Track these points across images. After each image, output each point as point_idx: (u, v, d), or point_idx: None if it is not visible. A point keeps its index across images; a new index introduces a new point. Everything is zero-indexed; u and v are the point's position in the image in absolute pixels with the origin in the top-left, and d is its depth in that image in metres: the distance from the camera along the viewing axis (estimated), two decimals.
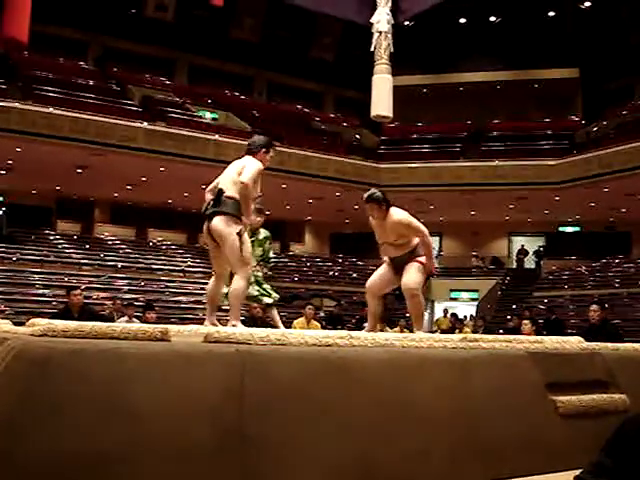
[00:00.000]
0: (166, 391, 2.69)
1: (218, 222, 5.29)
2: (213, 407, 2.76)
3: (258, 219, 7.07)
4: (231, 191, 5.35)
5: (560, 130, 28.39)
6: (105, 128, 20.60)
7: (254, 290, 7.13)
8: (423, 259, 5.79)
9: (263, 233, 7.44)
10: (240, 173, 5.38)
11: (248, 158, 5.53)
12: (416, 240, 5.82)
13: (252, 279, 6.96)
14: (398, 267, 5.85)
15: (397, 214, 5.72)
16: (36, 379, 2.50)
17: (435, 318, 26.83)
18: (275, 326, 7.12)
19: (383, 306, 6.18)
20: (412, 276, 5.73)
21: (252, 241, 7.24)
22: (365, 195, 5.76)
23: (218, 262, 5.59)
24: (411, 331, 10.56)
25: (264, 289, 7.21)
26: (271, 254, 7.65)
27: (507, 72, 30.50)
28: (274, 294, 7.22)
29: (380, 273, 6.01)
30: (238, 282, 5.34)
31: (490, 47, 29.63)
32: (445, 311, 16.25)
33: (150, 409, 2.63)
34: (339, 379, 3.13)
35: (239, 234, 5.28)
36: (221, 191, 5.38)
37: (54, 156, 20.21)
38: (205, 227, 5.41)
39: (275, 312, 7.36)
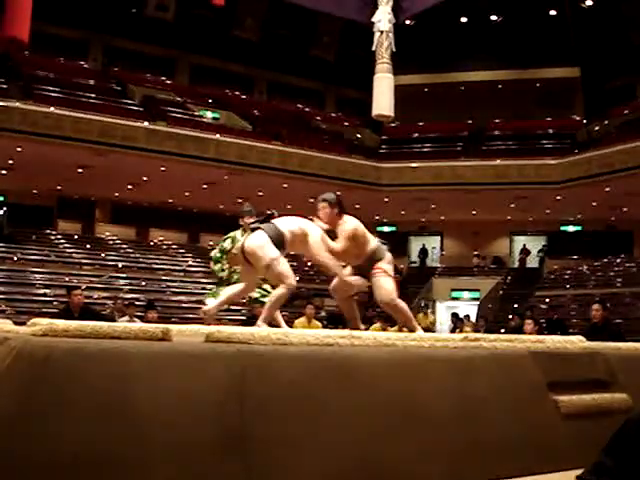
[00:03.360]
0: (167, 391, 2.69)
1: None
2: (214, 407, 2.76)
3: (247, 219, 7.15)
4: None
5: (561, 129, 28.37)
6: (106, 128, 20.60)
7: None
8: (384, 265, 5.49)
9: None
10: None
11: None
12: (373, 244, 5.52)
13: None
14: (360, 272, 5.59)
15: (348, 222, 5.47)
16: (37, 378, 2.50)
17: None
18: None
19: (357, 305, 5.91)
20: (382, 290, 5.43)
21: None
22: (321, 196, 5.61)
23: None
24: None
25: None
26: None
27: (508, 71, 30.47)
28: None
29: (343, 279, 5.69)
30: (282, 289, 5.27)
31: (491, 46, 29.61)
32: (425, 307, 15.80)
33: (151, 409, 2.63)
34: (340, 379, 3.12)
35: None
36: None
37: (55, 156, 20.21)
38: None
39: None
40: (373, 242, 5.53)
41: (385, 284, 5.41)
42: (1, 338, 2.73)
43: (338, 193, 5.74)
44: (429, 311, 16.24)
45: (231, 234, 7.73)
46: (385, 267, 5.47)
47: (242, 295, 6.22)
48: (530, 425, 3.65)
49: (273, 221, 5.37)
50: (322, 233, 5.40)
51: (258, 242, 5.19)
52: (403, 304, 5.56)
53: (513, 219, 28.58)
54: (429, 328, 13.74)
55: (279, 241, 5.19)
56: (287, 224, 5.33)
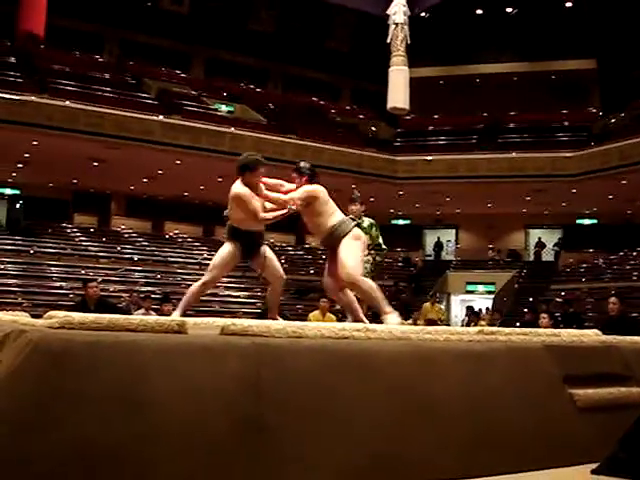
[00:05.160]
0: (183, 383, 2.70)
1: None
2: (230, 399, 2.77)
3: (356, 207, 7.21)
4: None
5: (577, 122, 28.16)
6: (121, 121, 20.65)
7: None
8: (348, 240, 5.17)
9: (367, 221, 7.50)
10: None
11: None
12: (335, 219, 5.26)
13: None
14: (329, 249, 5.36)
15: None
16: (54, 371, 2.51)
17: (453, 311, 26.86)
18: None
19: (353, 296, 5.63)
20: (341, 266, 5.11)
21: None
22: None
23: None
24: (435, 323, 10.45)
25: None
26: (381, 240, 7.55)
27: (524, 63, 30.31)
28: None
29: (327, 271, 5.50)
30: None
31: (507, 38, 29.45)
32: (433, 297, 15.54)
33: (167, 401, 2.64)
34: (355, 372, 3.13)
35: None
36: None
37: (70, 149, 20.29)
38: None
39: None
40: (337, 217, 5.29)
41: (345, 260, 5.10)
42: (18, 331, 2.75)
43: (307, 163, 5.57)
44: (436, 300, 15.96)
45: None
46: (349, 242, 5.17)
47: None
48: (546, 419, 3.63)
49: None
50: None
51: None
52: (368, 283, 5.20)
53: (528, 212, 28.46)
54: (437, 320, 13.61)
55: None
56: None
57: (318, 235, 5.37)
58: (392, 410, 3.16)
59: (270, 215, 5.31)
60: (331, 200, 5.37)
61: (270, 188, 5.49)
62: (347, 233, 5.20)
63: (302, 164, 5.51)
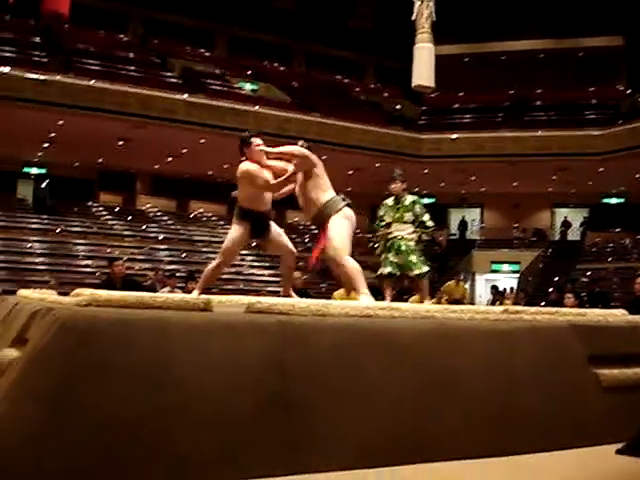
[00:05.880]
0: (208, 361, 2.72)
1: None
2: (255, 377, 2.78)
3: (397, 186, 7.26)
4: None
5: (605, 100, 27.80)
6: (146, 100, 20.71)
7: (387, 267, 7.26)
8: (337, 218, 5.11)
9: (410, 199, 7.49)
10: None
11: None
12: (328, 196, 5.20)
13: (400, 247, 7.12)
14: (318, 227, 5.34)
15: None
16: (81, 348, 2.54)
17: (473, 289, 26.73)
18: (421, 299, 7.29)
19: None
20: (328, 245, 5.09)
21: (397, 208, 7.36)
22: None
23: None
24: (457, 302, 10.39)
25: (395, 263, 7.26)
26: (426, 218, 7.45)
27: (550, 40, 29.94)
28: (423, 267, 7.27)
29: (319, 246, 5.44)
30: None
31: (533, 15, 29.05)
32: (458, 275, 15.29)
33: (193, 378, 2.66)
34: (380, 350, 3.13)
35: None
36: None
37: (95, 129, 20.38)
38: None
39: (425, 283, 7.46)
40: (329, 194, 5.25)
41: (332, 238, 5.06)
42: (46, 309, 2.78)
43: (305, 143, 5.52)
44: (461, 280, 15.83)
45: (387, 201, 7.69)
46: (338, 221, 5.11)
47: None
48: (570, 398, 3.62)
49: None
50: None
51: None
52: (353, 265, 5.10)
53: (554, 191, 28.22)
54: (462, 299, 13.52)
55: None
56: None
57: (308, 212, 5.33)
58: (416, 388, 3.16)
59: (280, 180, 5.34)
60: (326, 176, 5.34)
61: (272, 158, 5.53)
62: (337, 211, 5.15)
63: (299, 143, 5.51)
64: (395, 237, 7.37)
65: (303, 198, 5.33)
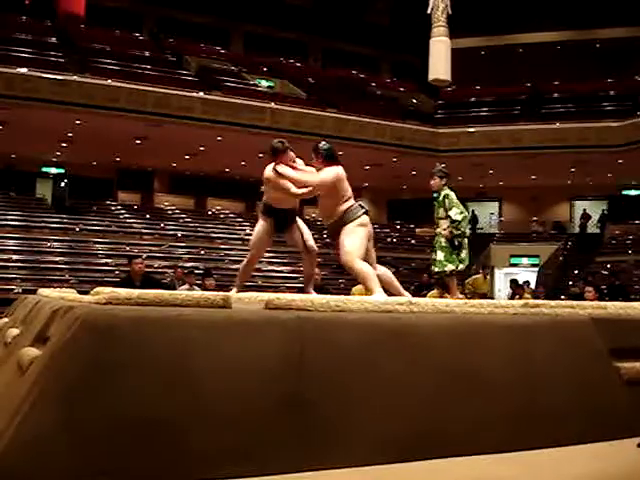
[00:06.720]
0: (228, 356, 2.72)
1: None
2: (273, 372, 2.78)
3: (435, 182, 7.37)
4: None
5: (623, 91, 27.54)
6: (162, 99, 20.75)
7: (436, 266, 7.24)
8: (352, 226, 5.22)
9: (443, 193, 7.44)
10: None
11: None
12: (346, 205, 5.28)
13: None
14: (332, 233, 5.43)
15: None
16: (101, 345, 2.55)
17: (495, 284, 26.60)
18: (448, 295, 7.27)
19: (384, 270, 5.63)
20: (340, 250, 5.18)
21: (435, 204, 7.43)
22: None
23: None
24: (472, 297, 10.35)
25: (439, 261, 7.22)
26: (452, 213, 7.33)
27: (567, 32, 29.71)
28: (447, 265, 7.22)
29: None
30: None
31: (549, 7, 28.87)
32: (484, 269, 15.15)
33: (212, 374, 2.67)
34: (399, 345, 3.12)
35: None
36: None
37: (113, 128, 20.46)
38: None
39: (454, 282, 7.40)
40: (348, 203, 5.31)
41: (346, 244, 5.15)
42: (66, 307, 2.79)
43: (327, 144, 5.57)
44: (487, 274, 15.55)
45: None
46: (352, 229, 5.20)
47: None
48: (592, 392, 3.60)
49: None
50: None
51: None
52: (364, 267, 5.15)
53: (573, 184, 28.01)
54: (485, 294, 13.36)
55: None
56: None
57: (326, 218, 5.42)
58: (435, 383, 3.15)
59: (301, 190, 5.39)
60: (347, 183, 5.38)
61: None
62: (352, 220, 5.25)
63: (321, 144, 5.52)
64: (436, 234, 7.41)
65: (324, 205, 5.41)
